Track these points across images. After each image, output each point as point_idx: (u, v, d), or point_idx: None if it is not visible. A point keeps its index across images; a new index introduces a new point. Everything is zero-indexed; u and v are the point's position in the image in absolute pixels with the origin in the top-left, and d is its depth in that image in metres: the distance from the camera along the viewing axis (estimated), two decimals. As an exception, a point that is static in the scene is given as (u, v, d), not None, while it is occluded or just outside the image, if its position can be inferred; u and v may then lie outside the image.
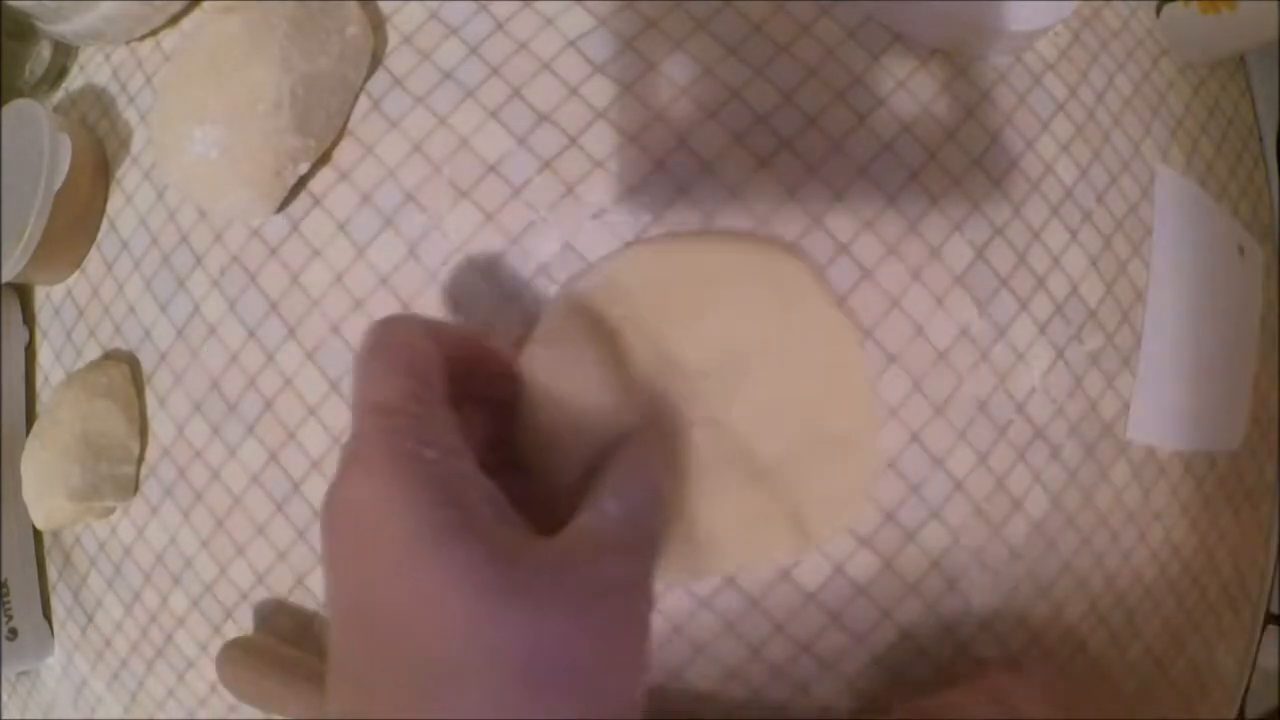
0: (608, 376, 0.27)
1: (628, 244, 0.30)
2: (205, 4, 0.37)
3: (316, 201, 0.34)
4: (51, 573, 0.39)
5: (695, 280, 0.29)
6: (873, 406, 0.30)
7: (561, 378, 0.27)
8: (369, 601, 0.20)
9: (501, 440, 0.25)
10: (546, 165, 0.32)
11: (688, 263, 0.29)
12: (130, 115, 0.38)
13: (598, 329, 0.28)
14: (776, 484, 0.29)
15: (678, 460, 0.28)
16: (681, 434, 0.28)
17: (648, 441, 0.25)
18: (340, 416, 0.33)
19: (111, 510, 0.37)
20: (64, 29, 0.38)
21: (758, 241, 0.30)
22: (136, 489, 0.36)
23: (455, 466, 0.21)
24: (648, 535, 0.22)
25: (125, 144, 0.38)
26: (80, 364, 0.38)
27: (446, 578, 0.19)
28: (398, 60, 0.34)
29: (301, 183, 0.34)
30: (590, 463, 0.25)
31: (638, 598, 0.21)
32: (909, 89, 0.34)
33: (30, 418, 0.40)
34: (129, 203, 0.37)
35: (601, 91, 0.33)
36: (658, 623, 0.32)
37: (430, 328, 0.23)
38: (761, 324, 0.29)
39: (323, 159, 0.34)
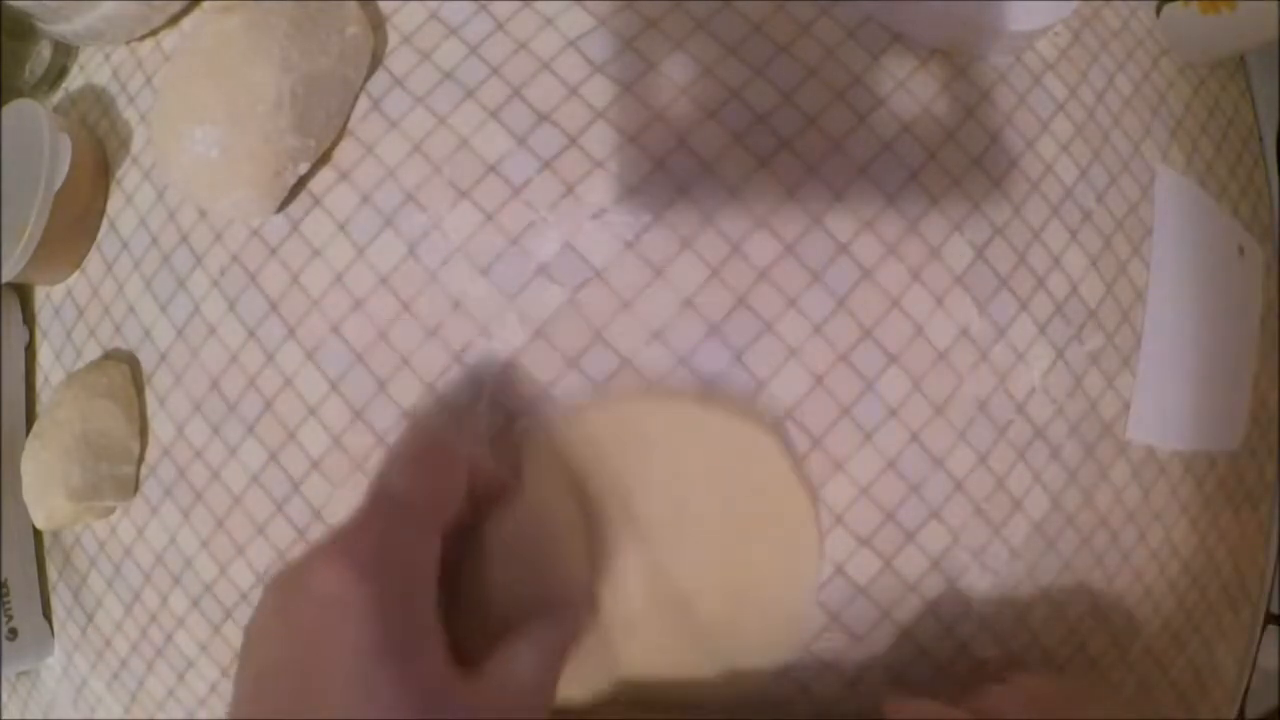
0: (570, 527, 0.30)
1: (601, 390, 0.31)
2: (205, 4, 0.37)
3: (316, 201, 0.34)
4: (51, 573, 0.39)
5: (667, 436, 0.31)
6: (815, 579, 0.32)
7: (527, 526, 0.29)
8: (301, 689, 0.21)
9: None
10: (546, 165, 0.32)
11: (662, 419, 0.31)
12: (130, 115, 0.38)
13: (566, 471, 0.31)
14: (711, 643, 0.31)
15: (610, 610, 0.30)
16: (620, 585, 0.30)
17: (577, 612, 0.28)
18: (340, 416, 0.33)
19: (111, 510, 0.37)
20: (64, 29, 0.38)
21: (735, 408, 0.31)
22: (136, 489, 0.36)
23: (426, 590, 0.23)
24: (550, 691, 0.25)
25: (125, 144, 0.38)
26: (80, 364, 0.38)
27: (394, 698, 0.21)
28: (398, 60, 0.34)
29: (301, 183, 0.34)
30: (526, 604, 0.27)
31: None
32: (909, 89, 0.34)
33: (30, 418, 0.40)
34: (129, 203, 0.37)
35: (601, 91, 0.33)
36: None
37: (470, 462, 0.26)
38: (721, 487, 0.31)
39: (323, 159, 0.34)
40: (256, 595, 0.34)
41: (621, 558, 0.31)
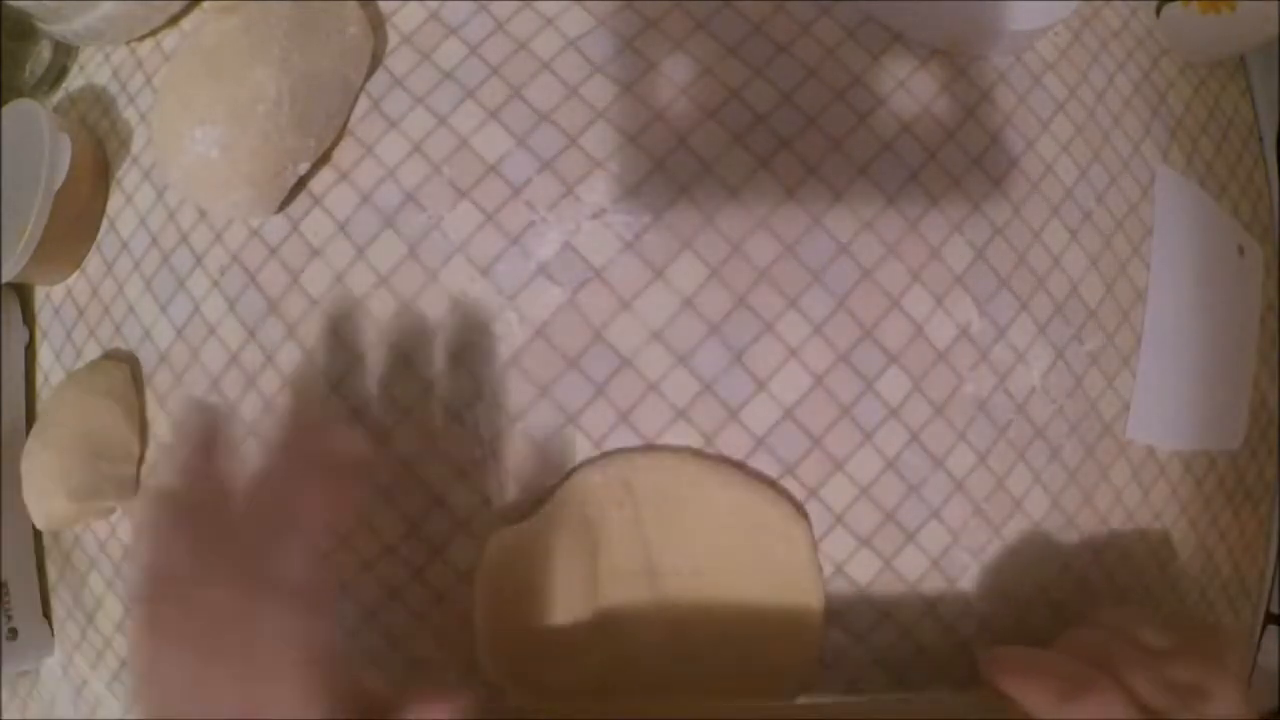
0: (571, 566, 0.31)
1: (650, 446, 0.32)
2: (205, 4, 0.37)
3: (316, 201, 0.34)
4: (51, 573, 0.39)
5: (698, 503, 0.31)
6: (817, 649, 0.32)
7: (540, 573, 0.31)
8: None
9: None
10: (546, 165, 0.32)
11: (698, 485, 0.31)
12: (130, 115, 0.38)
13: (596, 521, 0.31)
14: (717, 686, 0.32)
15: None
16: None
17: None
18: (340, 416, 0.33)
19: (112, 510, 0.37)
20: (64, 29, 0.38)
21: (764, 488, 0.32)
22: (137, 489, 0.36)
23: None
24: None
25: (125, 144, 0.38)
26: (80, 364, 0.38)
27: None
28: (398, 60, 0.34)
29: (301, 183, 0.34)
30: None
31: None
32: (909, 89, 0.34)
33: (30, 418, 0.40)
34: (129, 203, 0.37)
35: (601, 91, 0.33)
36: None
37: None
38: (744, 559, 0.32)
39: (323, 159, 0.34)
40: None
41: (636, 603, 0.31)
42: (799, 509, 0.32)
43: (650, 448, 0.32)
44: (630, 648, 0.31)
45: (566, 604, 0.31)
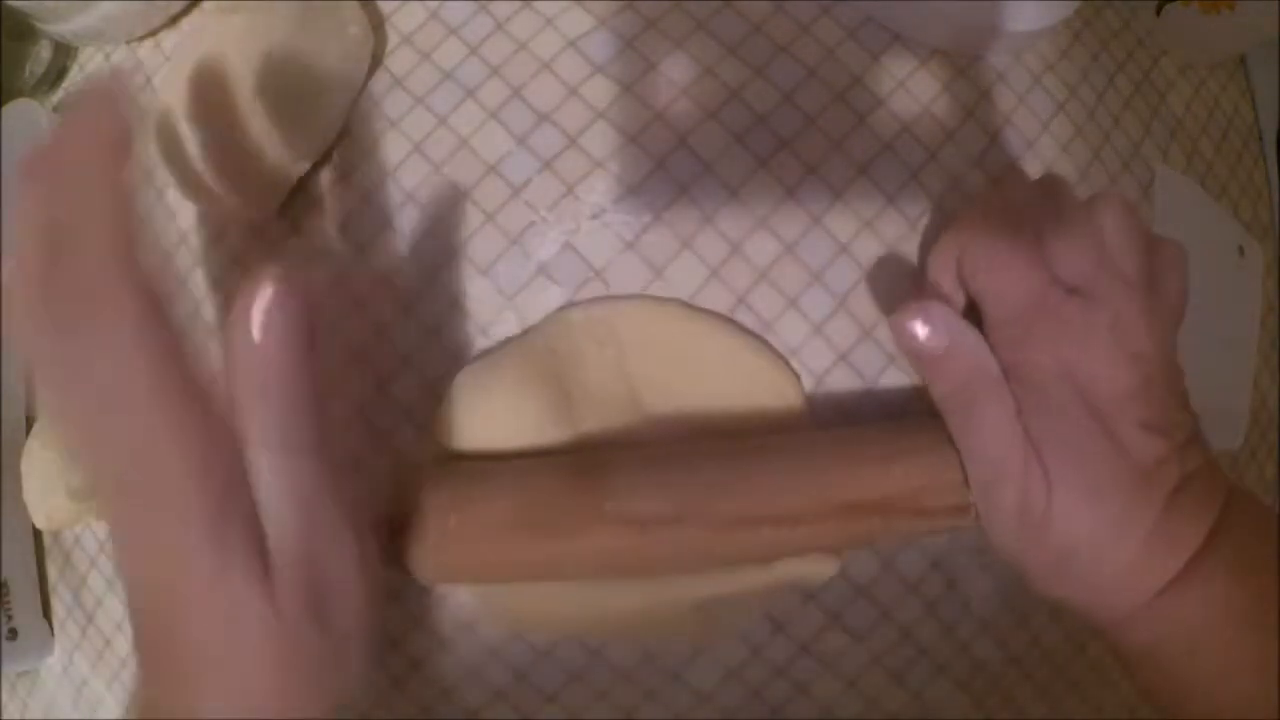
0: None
1: (637, 295, 0.31)
2: (205, 4, 0.37)
3: (317, 201, 0.34)
4: (51, 573, 0.39)
5: (685, 349, 0.31)
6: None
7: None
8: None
9: None
10: (546, 165, 0.32)
11: (687, 332, 0.31)
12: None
13: (574, 356, 0.31)
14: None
15: None
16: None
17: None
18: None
19: (111, 510, 0.37)
20: (64, 29, 0.38)
21: (752, 339, 0.31)
22: (136, 489, 0.36)
23: None
24: None
25: (125, 144, 0.38)
26: (80, 364, 0.38)
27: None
28: (398, 60, 0.34)
29: (302, 183, 0.34)
30: None
31: None
32: (909, 89, 0.34)
33: (30, 418, 0.40)
34: (129, 203, 0.37)
35: (601, 91, 0.33)
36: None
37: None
38: (726, 410, 0.31)
39: (323, 159, 0.34)
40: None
41: (613, 432, 0.31)
42: (787, 364, 0.32)
43: (637, 296, 0.31)
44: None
45: (538, 427, 0.30)
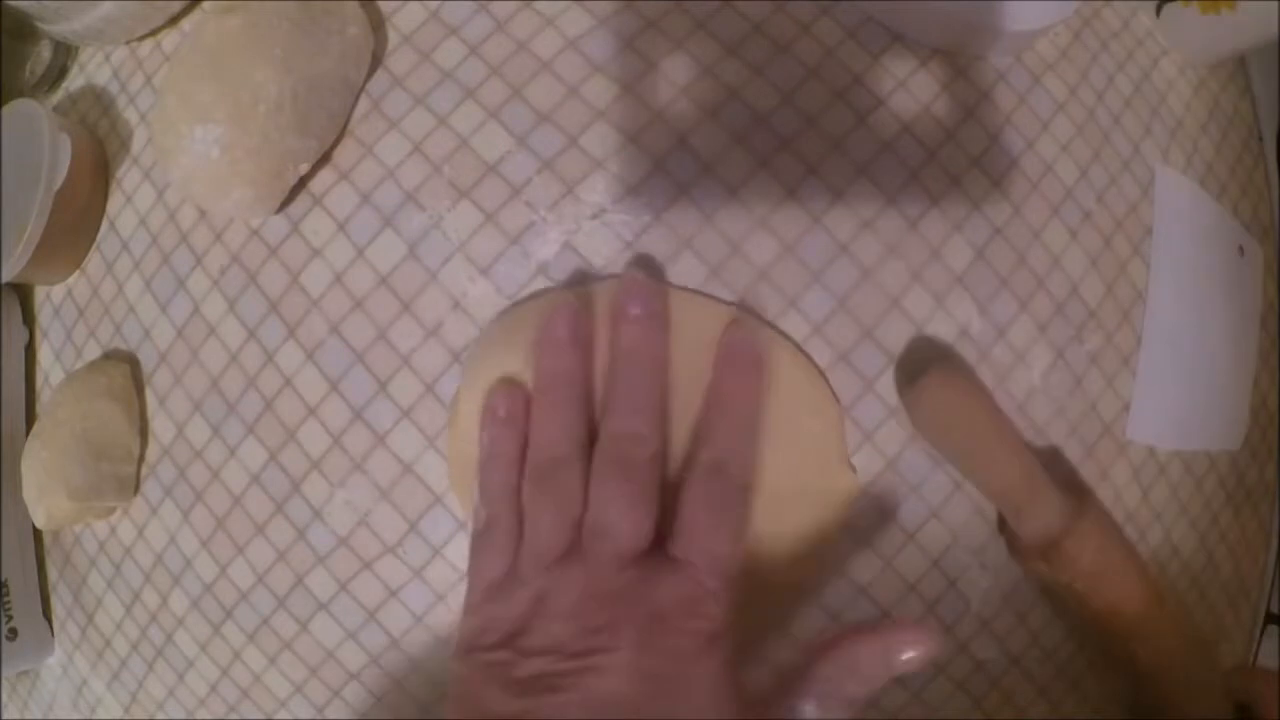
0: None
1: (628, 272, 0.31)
2: (205, 4, 0.37)
3: (316, 201, 0.34)
4: (51, 573, 0.39)
5: (682, 325, 0.30)
6: (843, 445, 0.32)
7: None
8: None
9: None
10: (546, 165, 0.32)
11: (684, 309, 0.30)
12: (130, 115, 0.38)
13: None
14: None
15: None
16: None
17: None
18: (340, 416, 0.33)
19: (112, 510, 0.37)
20: (64, 29, 0.38)
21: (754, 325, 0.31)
22: (137, 489, 0.36)
23: None
24: None
25: (125, 144, 0.38)
26: (80, 364, 0.38)
27: None
28: (398, 60, 0.34)
29: (301, 183, 0.34)
30: None
31: None
32: (909, 89, 0.34)
33: (30, 418, 0.40)
34: (129, 203, 0.37)
35: (601, 91, 0.33)
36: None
37: None
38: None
39: (323, 159, 0.34)
40: (256, 595, 0.34)
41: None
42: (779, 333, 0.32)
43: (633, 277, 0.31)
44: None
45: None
